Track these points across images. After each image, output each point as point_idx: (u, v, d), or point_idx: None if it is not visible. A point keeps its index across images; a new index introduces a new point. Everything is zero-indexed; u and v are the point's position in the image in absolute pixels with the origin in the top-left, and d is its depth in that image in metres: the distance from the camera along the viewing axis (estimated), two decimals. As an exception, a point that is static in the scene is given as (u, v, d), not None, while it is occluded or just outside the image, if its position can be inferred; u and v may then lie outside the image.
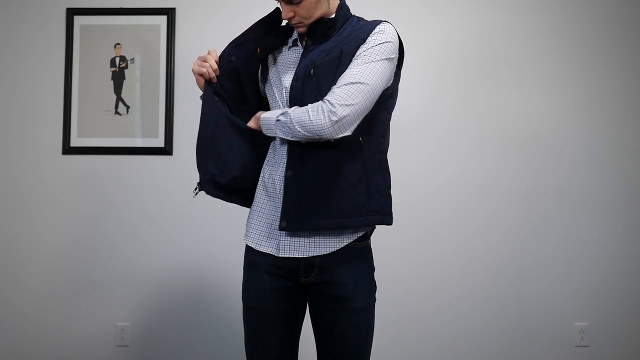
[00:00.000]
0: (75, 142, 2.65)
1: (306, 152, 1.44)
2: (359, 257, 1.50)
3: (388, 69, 1.45)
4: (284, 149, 1.48)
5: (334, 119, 1.37)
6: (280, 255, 1.46)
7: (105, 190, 2.64)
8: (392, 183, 1.56)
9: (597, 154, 2.64)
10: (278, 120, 1.44)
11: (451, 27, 2.67)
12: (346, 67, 1.43)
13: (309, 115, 1.38)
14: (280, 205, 1.47)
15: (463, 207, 2.63)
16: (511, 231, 2.62)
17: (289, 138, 1.43)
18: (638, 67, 2.66)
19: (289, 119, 1.41)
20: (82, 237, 2.63)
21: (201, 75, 1.54)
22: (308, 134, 1.39)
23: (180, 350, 2.60)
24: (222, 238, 2.58)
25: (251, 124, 1.53)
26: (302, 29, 1.51)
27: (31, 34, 2.69)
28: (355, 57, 1.43)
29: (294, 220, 1.43)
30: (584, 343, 2.60)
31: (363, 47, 1.43)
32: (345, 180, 1.44)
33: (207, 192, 1.53)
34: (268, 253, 1.48)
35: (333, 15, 1.51)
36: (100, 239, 2.63)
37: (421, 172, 2.63)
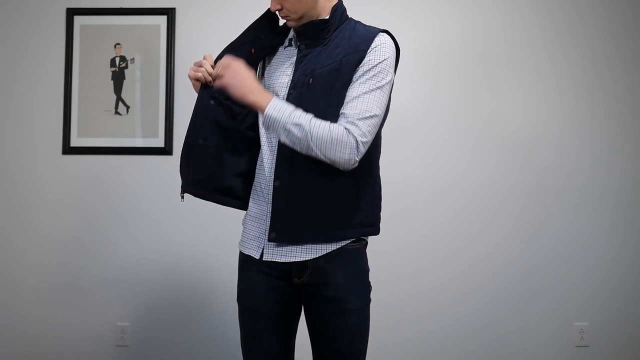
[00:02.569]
0: (75, 142, 2.65)
1: (296, 163, 1.42)
2: (353, 258, 1.49)
3: (390, 90, 1.47)
4: (272, 156, 1.47)
5: (358, 158, 1.39)
6: (263, 260, 1.47)
7: (105, 190, 2.64)
8: (393, 185, 1.57)
9: (599, 155, 2.63)
10: (288, 130, 1.36)
11: (452, 27, 2.66)
12: (345, 81, 1.41)
13: (334, 145, 1.36)
14: (265, 210, 1.47)
15: (465, 208, 2.62)
16: (513, 232, 2.62)
17: (293, 147, 1.38)
18: None
19: (305, 136, 1.35)
20: (82, 237, 2.63)
21: (197, 80, 1.51)
22: (323, 158, 1.37)
23: (180, 350, 2.60)
24: (222, 238, 2.58)
25: (252, 97, 1.39)
26: (291, 23, 1.50)
27: (31, 34, 2.69)
28: (360, 76, 1.42)
29: (282, 232, 1.43)
30: (584, 343, 2.60)
31: (366, 67, 1.42)
32: (336, 194, 1.44)
33: (195, 194, 1.54)
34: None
35: (327, 17, 1.48)
36: (100, 239, 2.63)
37: (422, 174, 2.63)
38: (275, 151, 1.46)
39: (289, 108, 1.38)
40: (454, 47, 2.66)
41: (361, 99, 1.40)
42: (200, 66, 1.49)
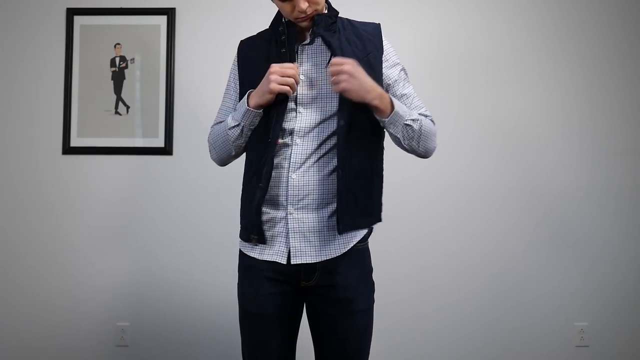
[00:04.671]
0: (75, 142, 2.65)
1: (350, 152, 1.43)
2: (359, 259, 1.50)
3: None
4: (300, 153, 1.43)
5: None
6: (292, 263, 1.43)
7: (105, 190, 2.64)
8: (395, 185, 1.61)
9: (600, 155, 2.63)
10: (409, 125, 1.44)
11: (453, 27, 2.66)
12: (378, 78, 1.46)
13: (434, 137, 1.53)
14: (284, 212, 1.44)
15: (465, 209, 2.62)
16: (513, 232, 2.62)
17: (402, 141, 1.46)
18: None
19: (419, 130, 1.47)
20: (82, 237, 2.63)
21: (282, 91, 1.39)
22: (420, 150, 1.51)
23: (180, 350, 2.60)
24: (222, 238, 2.58)
25: (372, 97, 1.38)
26: (305, 24, 1.46)
27: (31, 34, 2.68)
28: (397, 74, 1.53)
29: (347, 222, 1.42)
30: (584, 343, 2.60)
31: (391, 61, 1.53)
32: (372, 181, 1.49)
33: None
34: (272, 261, 1.45)
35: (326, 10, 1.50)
36: (100, 239, 2.63)
37: (423, 174, 2.62)
38: (311, 146, 1.43)
39: (403, 105, 1.47)
40: (454, 47, 2.66)
41: (413, 95, 1.55)
42: (288, 75, 1.39)
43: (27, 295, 2.63)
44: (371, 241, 1.56)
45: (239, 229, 1.55)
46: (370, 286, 1.52)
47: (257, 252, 1.48)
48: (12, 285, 2.63)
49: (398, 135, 1.44)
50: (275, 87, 1.38)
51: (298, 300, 1.50)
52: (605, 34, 2.66)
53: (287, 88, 1.39)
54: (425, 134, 1.48)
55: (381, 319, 1.58)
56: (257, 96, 1.43)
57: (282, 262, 1.44)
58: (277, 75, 1.38)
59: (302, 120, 1.45)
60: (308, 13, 1.42)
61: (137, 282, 2.61)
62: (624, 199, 2.63)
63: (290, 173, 1.43)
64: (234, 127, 1.48)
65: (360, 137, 1.44)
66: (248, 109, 1.44)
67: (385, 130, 1.50)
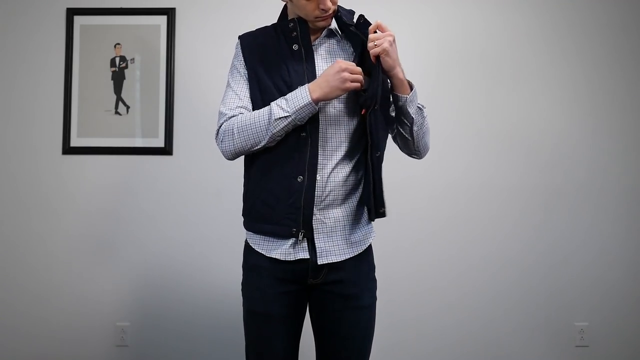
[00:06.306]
0: (75, 142, 2.65)
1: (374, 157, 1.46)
2: (365, 256, 1.51)
3: None
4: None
5: None
6: (319, 263, 1.43)
7: (105, 190, 2.64)
8: (395, 185, 1.62)
9: (600, 155, 2.63)
10: (420, 108, 1.49)
11: (453, 26, 2.66)
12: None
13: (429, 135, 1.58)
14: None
15: (466, 209, 2.62)
16: (514, 232, 2.62)
17: (414, 125, 1.47)
18: None
19: (426, 117, 1.51)
20: (82, 237, 2.63)
21: (354, 86, 1.38)
22: (422, 145, 1.54)
23: (180, 350, 2.60)
24: (222, 238, 2.58)
25: (400, 71, 1.42)
26: (325, 22, 1.48)
27: (31, 34, 2.69)
28: None
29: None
30: (584, 343, 2.60)
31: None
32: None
33: None
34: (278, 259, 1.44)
35: None
36: (100, 239, 2.63)
37: (423, 174, 2.62)
38: (340, 140, 1.45)
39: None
40: (454, 46, 2.66)
41: None
42: (358, 73, 1.38)
43: (27, 295, 2.63)
44: (372, 241, 1.56)
45: (238, 229, 1.55)
46: (374, 283, 1.54)
47: (284, 255, 1.44)
48: (12, 285, 2.63)
49: (413, 117, 1.45)
50: (350, 85, 1.37)
51: (303, 299, 1.50)
52: (605, 34, 2.66)
53: (359, 85, 1.38)
54: (427, 126, 1.52)
55: (381, 319, 1.58)
56: (324, 90, 1.37)
57: (291, 260, 1.43)
58: (348, 72, 1.36)
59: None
60: (329, 12, 1.44)
61: (137, 282, 2.61)
62: (624, 199, 2.63)
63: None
64: (282, 117, 1.37)
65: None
66: (310, 103, 1.36)
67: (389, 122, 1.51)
